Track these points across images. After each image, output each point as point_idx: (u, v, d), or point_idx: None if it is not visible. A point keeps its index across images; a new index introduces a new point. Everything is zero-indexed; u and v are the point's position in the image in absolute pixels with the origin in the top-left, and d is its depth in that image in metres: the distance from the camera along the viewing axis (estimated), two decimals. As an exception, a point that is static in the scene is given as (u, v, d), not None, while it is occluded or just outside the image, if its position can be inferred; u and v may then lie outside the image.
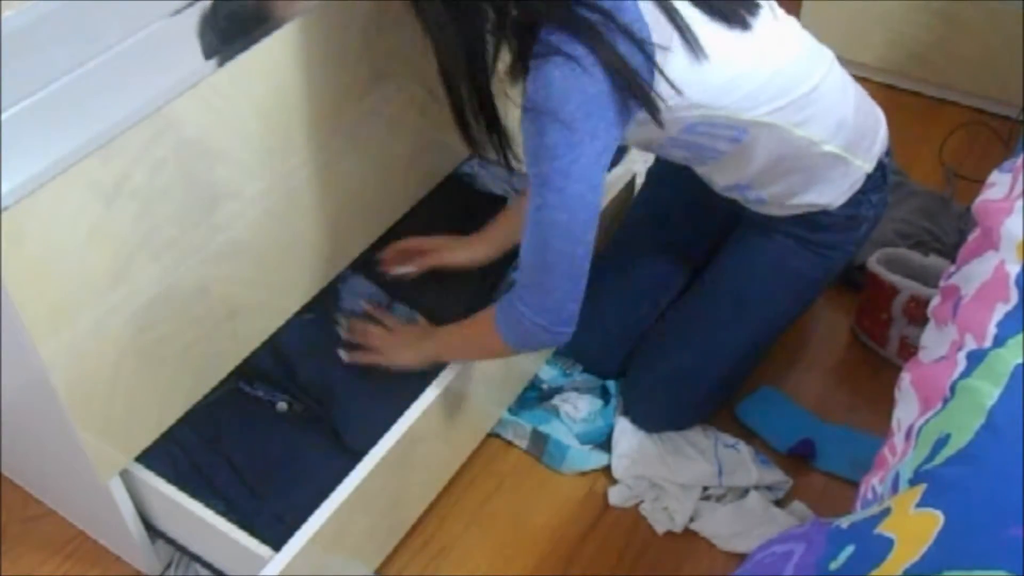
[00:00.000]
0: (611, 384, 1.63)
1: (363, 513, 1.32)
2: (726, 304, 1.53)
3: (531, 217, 1.23)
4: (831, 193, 1.44)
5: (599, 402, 1.61)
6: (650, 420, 1.58)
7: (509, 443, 1.60)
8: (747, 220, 1.55)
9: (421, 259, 1.57)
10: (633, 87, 1.18)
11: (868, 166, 1.45)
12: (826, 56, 1.40)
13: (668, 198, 1.66)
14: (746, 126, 1.31)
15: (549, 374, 1.65)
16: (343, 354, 1.47)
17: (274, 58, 1.23)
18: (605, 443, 1.58)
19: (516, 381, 1.62)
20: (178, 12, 1.20)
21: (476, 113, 1.26)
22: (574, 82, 1.15)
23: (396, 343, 1.46)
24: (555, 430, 1.57)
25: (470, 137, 1.30)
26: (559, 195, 1.19)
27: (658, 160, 1.69)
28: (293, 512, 1.28)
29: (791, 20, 1.38)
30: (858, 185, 1.45)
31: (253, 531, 1.27)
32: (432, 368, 1.42)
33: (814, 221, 1.48)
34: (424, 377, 1.40)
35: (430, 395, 1.38)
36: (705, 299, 1.56)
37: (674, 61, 1.22)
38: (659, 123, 1.24)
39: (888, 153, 1.50)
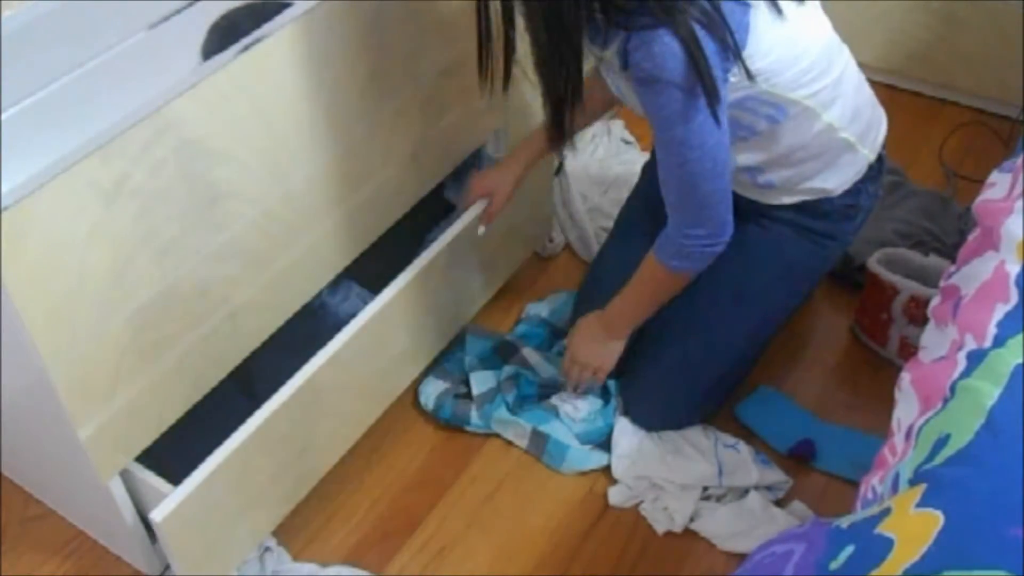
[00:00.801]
0: (611, 384, 1.63)
1: (266, 456, 1.35)
2: (725, 297, 1.53)
3: (674, 174, 1.32)
4: (836, 179, 1.46)
5: (599, 402, 1.61)
6: (651, 418, 1.58)
7: (509, 443, 1.60)
8: (744, 211, 1.55)
9: (491, 211, 1.62)
10: (729, 46, 1.24)
11: (872, 156, 1.48)
12: (843, 45, 1.44)
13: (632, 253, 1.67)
14: (788, 106, 1.35)
15: (550, 372, 1.65)
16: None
17: (274, 58, 1.23)
18: (605, 443, 1.58)
19: (435, 339, 1.65)
20: (178, 12, 1.20)
21: (572, 98, 1.31)
22: (682, 49, 1.20)
23: (598, 353, 1.56)
24: (555, 430, 1.57)
25: (562, 130, 1.35)
26: (699, 151, 1.27)
27: (654, 154, 1.69)
28: (201, 456, 1.30)
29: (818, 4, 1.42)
30: (861, 174, 1.48)
31: (161, 474, 1.30)
32: (342, 321, 1.45)
33: (814, 208, 1.49)
34: (336, 330, 1.43)
35: (336, 344, 1.40)
36: (703, 293, 1.56)
37: (759, 19, 1.27)
38: (750, 76, 1.29)
39: (884, 146, 1.51)
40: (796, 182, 1.46)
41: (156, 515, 1.23)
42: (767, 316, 1.57)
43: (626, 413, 1.60)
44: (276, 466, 1.39)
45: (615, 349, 1.55)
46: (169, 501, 1.25)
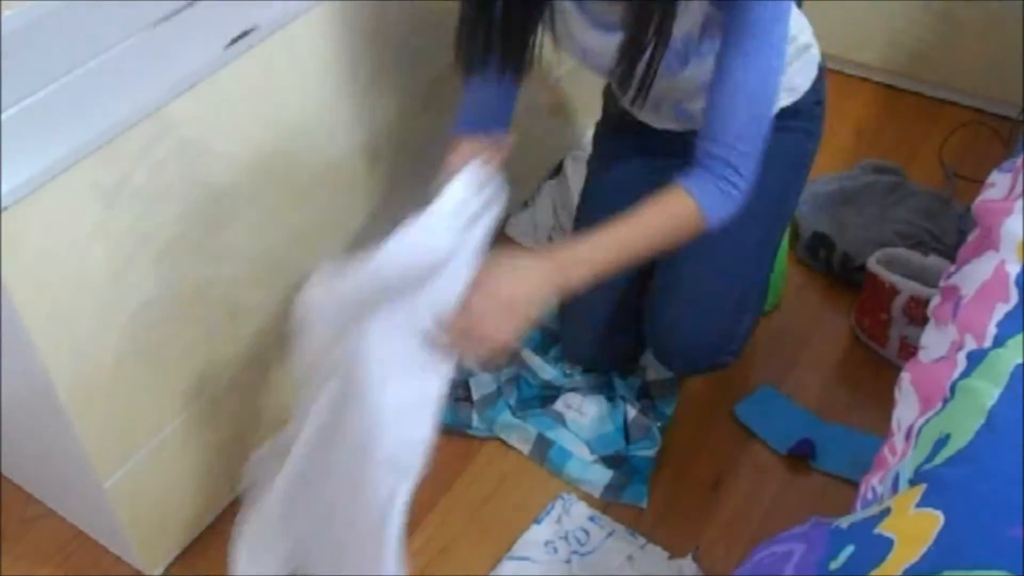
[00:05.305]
0: (618, 383, 1.61)
1: (211, 428, 1.39)
2: None
3: (752, 90, 1.23)
4: (806, 74, 1.48)
5: (605, 402, 1.60)
6: (684, 361, 1.51)
7: (509, 446, 1.59)
8: None
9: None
10: None
11: (817, 52, 1.50)
12: None
13: (621, 175, 1.60)
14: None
15: (550, 374, 1.64)
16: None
17: (274, 58, 1.23)
18: (613, 457, 1.55)
19: None
20: (178, 13, 1.20)
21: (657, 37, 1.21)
22: None
23: (518, 314, 1.17)
24: (560, 436, 1.56)
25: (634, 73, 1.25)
26: (781, 60, 1.24)
27: (601, 139, 1.67)
28: None
29: None
30: (816, 69, 1.50)
31: None
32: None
33: (792, 110, 1.48)
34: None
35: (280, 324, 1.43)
36: None
37: None
38: None
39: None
40: (789, 79, 1.46)
41: (105, 482, 1.26)
42: (776, 212, 1.52)
43: (659, 359, 1.53)
44: (219, 439, 1.41)
45: (537, 309, 1.18)
46: (119, 469, 1.27)
